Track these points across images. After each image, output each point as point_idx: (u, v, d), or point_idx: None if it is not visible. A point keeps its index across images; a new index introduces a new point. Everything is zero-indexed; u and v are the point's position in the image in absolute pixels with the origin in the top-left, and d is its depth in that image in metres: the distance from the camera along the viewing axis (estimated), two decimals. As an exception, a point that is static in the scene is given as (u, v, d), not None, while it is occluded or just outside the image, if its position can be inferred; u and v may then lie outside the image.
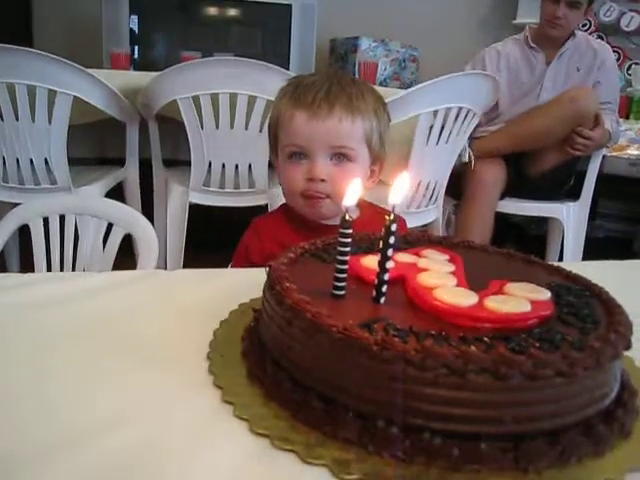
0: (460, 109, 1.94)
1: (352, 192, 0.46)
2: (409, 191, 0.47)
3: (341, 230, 0.44)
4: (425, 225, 2.14)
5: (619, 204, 3.11)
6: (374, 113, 0.95)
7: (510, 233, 2.99)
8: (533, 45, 2.51)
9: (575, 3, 2.32)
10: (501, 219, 2.85)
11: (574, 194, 2.44)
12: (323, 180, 0.92)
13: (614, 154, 2.95)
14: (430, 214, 2.12)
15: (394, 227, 0.44)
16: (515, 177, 2.40)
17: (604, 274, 0.85)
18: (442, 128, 1.94)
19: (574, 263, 1.81)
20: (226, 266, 1.00)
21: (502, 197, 2.42)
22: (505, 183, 2.36)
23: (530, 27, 2.61)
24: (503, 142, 2.33)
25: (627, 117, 3.12)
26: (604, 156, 2.70)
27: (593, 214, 2.84)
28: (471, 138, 2.29)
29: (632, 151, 2.94)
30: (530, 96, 2.51)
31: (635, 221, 3.05)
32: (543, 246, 2.64)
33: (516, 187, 2.41)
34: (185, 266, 2.00)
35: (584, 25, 3.43)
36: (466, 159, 2.25)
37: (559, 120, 2.24)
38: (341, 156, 0.93)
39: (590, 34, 3.37)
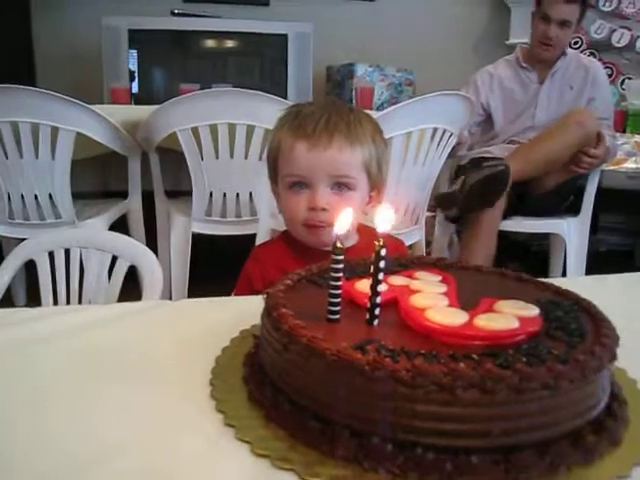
0: (435, 130, 1.96)
1: (343, 220, 0.49)
2: (395, 216, 0.49)
3: (333, 257, 0.46)
4: (409, 247, 2.14)
5: (619, 217, 3.12)
6: (372, 140, 0.97)
7: (514, 251, 3.00)
8: (525, 65, 2.55)
9: (566, 22, 2.37)
10: (504, 238, 2.86)
11: (574, 209, 2.45)
12: (324, 209, 0.94)
13: (612, 168, 2.97)
14: (413, 235, 2.12)
15: (383, 252, 0.46)
16: (518, 196, 2.42)
17: (604, 288, 0.87)
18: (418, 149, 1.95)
19: (573, 278, 1.82)
20: (230, 294, 1.02)
21: (505, 217, 2.43)
22: (507, 202, 2.37)
23: (521, 47, 2.64)
24: (519, 170, 2.31)
25: (623, 131, 3.15)
26: (602, 170, 2.73)
27: (594, 228, 2.85)
28: (452, 156, 2.30)
29: (629, 164, 2.96)
30: (525, 115, 2.54)
31: (636, 233, 3.07)
32: (546, 262, 2.65)
33: (519, 206, 2.42)
34: (190, 295, 2.02)
35: (576, 42, 3.49)
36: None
37: (569, 145, 2.25)
38: (341, 185, 0.95)
39: (582, 51, 3.42)
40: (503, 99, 2.55)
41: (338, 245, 0.47)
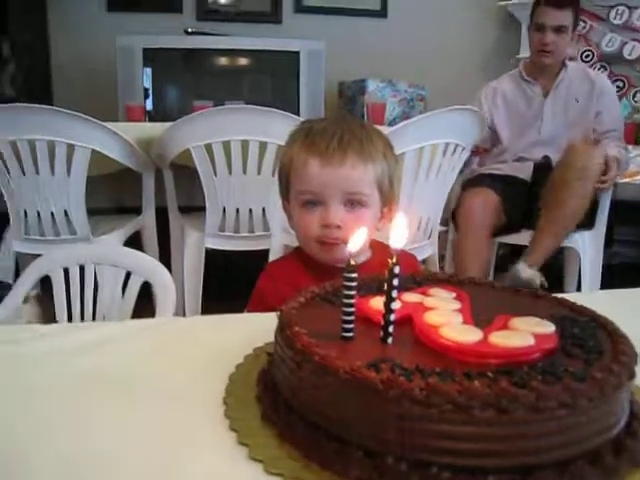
0: (447, 144, 1.96)
1: (356, 238, 0.49)
2: (408, 230, 0.49)
3: (345, 274, 0.46)
4: (422, 261, 2.13)
5: (634, 230, 3.10)
6: (384, 157, 0.97)
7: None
8: (528, 78, 2.54)
9: (561, 27, 2.39)
10: (519, 252, 2.85)
11: (589, 223, 2.44)
12: (338, 226, 0.93)
13: (626, 180, 2.95)
14: (425, 250, 2.12)
15: (397, 269, 0.46)
16: (527, 211, 2.41)
17: (620, 303, 0.86)
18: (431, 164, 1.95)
19: (588, 294, 1.80)
20: (243, 310, 1.02)
21: (518, 229, 2.42)
22: (497, 211, 2.35)
23: (524, 61, 2.65)
24: (549, 238, 2.27)
25: (636, 143, 3.13)
26: (616, 183, 2.71)
27: (609, 241, 2.83)
28: (463, 170, 2.31)
29: (644, 177, 2.93)
30: (532, 129, 2.53)
31: (652, 247, 3.04)
32: (561, 276, 2.63)
33: (531, 220, 2.41)
34: (203, 311, 2.02)
35: (587, 56, 3.49)
36: None
37: (588, 192, 2.25)
38: (354, 202, 0.95)
39: (593, 64, 3.42)
40: (508, 113, 2.55)
41: (351, 262, 0.47)
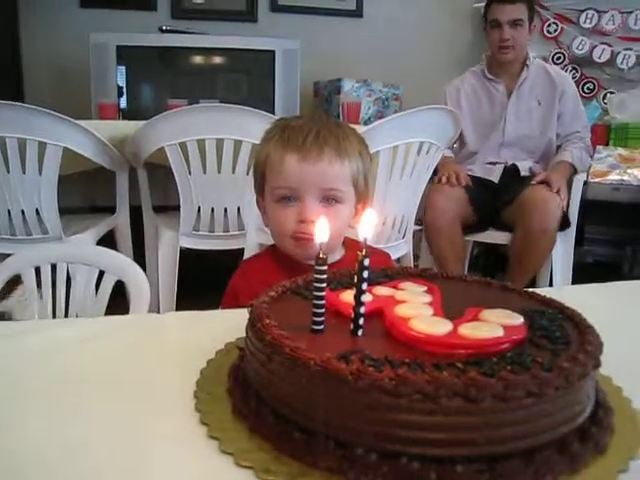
0: (422, 143, 1.98)
1: (326, 230, 0.49)
2: (377, 224, 0.49)
3: (316, 267, 0.46)
4: (397, 260, 2.15)
5: (605, 229, 3.15)
6: (359, 154, 0.99)
7: (502, 263, 3.02)
8: (491, 76, 2.57)
9: (516, 21, 2.42)
10: (493, 250, 2.89)
11: (561, 224, 2.47)
12: (314, 222, 0.94)
13: (596, 180, 3.00)
14: (400, 249, 2.13)
15: (367, 262, 0.46)
16: (499, 212, 2.46)
17: (589, 297, 0.87)
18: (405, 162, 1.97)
19: (558, 288, 1.83)
20: (218, 308, 1.01)
21: (486, 228, 2.47)
22: (465, 205, 2.39)
23: (487, 56, 2.66)
24: (521, 280, 2.33)
25: (607, 144, 3.19)
26: (587, 182, 2.76)
27: (580, 240, 2.88)
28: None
29: (614, 177, 2.99)
30: (496, 132, 2.56)
31: (622, 245, 3.09)
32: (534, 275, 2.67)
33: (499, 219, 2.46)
34: (178, 309, 2.00)
35: (558, 58, 3.54)
36: None
37: (552, 243, 2.33)
38: (330, 198, 0.96)
39: (565, 66, 3.48)
40: (472, 117, 2.57)
41: (321, 255, 0.47)
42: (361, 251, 0.46)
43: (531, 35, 2.54)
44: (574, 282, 2.45)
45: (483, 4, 3.70)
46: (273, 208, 0.98)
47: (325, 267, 0.46)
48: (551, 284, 2.47)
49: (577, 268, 2.53)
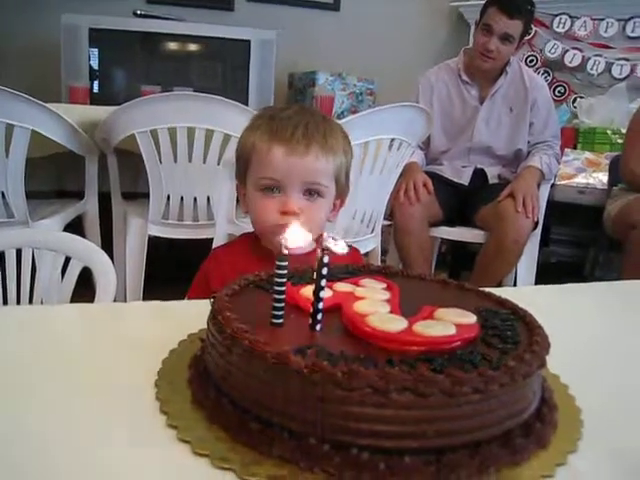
0: (393, 140, 1.99)
1: (295, 229, 0.50)
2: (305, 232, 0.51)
3: (277, 263, 0.48)
4: (365, 254, 2.17)
5: (570, 230, 3.23)
6: (343, 151, 1.01)
7: (469, 261, 3.07)
8: (465, 79, 2.54)
9: (508, 37, 2.37)
10: (461, 247, 2.93)
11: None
12: (296, 213, 0.95)
13: (563, 182, 3.08)
14: (368, 243, 2.15)
15: (326, 259, 0.48)
16: (465, 211, 2.50)
17: (545, 297, 0.91)
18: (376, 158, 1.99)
19: (516, 288, 1.88)
20: (185, 298, 1.02)
21: (453, 224, 2.51)
22: (431, 199, 2.42)
23: (465, 51, 2.63)
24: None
25: (575, 147, 3.27)
26: (554, 185, 2.82)
27: (546, 240, 2.95)
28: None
29: (580, 179, 3.07)
30: (464, 136, 2.56)
31: (585, 246, 3.17)
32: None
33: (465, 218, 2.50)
34: (145, 298, 2.00)
35: (531, 60, 3.60)
36: None
37: (519, 254, 2.37)
38: (312, 192, 0.98)
39: (537, 69, 3.53)
40: (442, 119, 2.56)
41: (283, 251, 0.48)
42: (322, 249, 0.47)
43: (517, 51, 2.51)
44: (537, 281, 2.51)
45: (460, 3, 3.76)
46: (255, 197, 1.00)
47: (286, 263, 0.48)
48: (515, 283, 2.52)
49: (541, 268, 2.59)
